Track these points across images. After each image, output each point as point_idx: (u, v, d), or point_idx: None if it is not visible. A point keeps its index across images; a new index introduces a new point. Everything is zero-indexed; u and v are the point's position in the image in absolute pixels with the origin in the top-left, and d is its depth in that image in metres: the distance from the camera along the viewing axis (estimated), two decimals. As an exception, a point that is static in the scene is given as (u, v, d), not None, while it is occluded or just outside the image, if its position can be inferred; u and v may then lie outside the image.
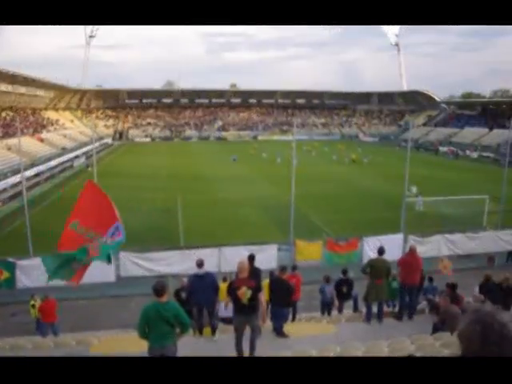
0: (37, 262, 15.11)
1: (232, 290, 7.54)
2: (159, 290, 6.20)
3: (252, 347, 7.87)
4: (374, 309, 10.66)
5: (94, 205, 8.49)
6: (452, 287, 10.20)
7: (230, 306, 10.44)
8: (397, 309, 11.22)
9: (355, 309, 12.71)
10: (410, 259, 10.64)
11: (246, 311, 7.56)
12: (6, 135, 54.13)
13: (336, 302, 12.63)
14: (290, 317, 11.53)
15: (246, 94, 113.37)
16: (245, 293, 7.28)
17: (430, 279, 12.86)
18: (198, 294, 9.59)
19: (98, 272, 15.15)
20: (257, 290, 7.51)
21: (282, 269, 10.23)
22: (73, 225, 8.35)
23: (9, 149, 49.25)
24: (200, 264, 9.76)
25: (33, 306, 12.74)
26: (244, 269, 7.59)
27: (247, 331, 7.97)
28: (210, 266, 15.07)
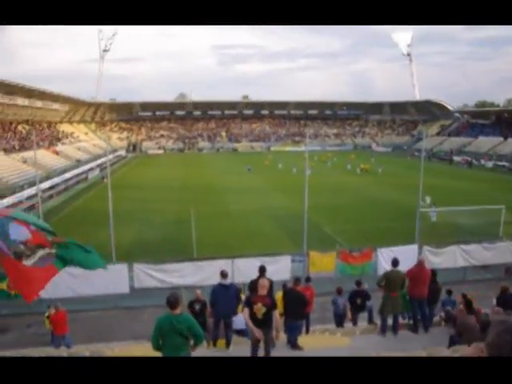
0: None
1: (249, 305, 8.01)
2: (173, 302, 6.19)
3: None
4: (389, 321, 10.53)
5: None
6: (466, 304, 10.03)
7: (242, 317, 10.50)
8: (412, 321, 11.09)
9: (370, 321, 12.54)
10: (417, 271, 10.51)
11: (260, 325, 7.93)
12: (23, 148, 54.90)
13: (349, 314, 12.48)
14: (304, 329, 11.44)
15: (258, 106, 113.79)
16: (260, 309, 7.82)
17: (450, 292, 12.68)
18: (220, 304, 9.60)
19: (111, 283, 15.27)
20: (271, 307, 7.94)
21: (296, 280, 10.16)
22: None
23: (24, 161, 49.89)
24: (225, 274, 9.77)
25: (48, 317, 12.79)
26: (264, 287, 8.02)
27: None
28: (223, 278, 15.09)
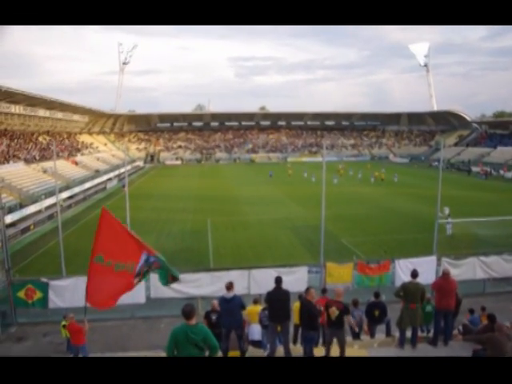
0: (69, 282, 15.32)
1: (326, 307, 9.31)
2: (188, 312, 6.13)
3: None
4: (408, 333, 10.32)
5: (114, 237, 8.33)
6: (490, 317, 9.77)
7: (258, 327, 10.40)
8: (431, 334, 10.84)
9: (388, 333, 12.31)
10: (443, 283, 10.28)
11: (334, 326, 9.21)
12: (43, 158, 55.70)
13: (365, 327, 12.24)
14: (321, 341, 11.27)
15: (275, 117, 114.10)
16: (334, 312, 9.07)
17: (472, 311, 12.41)
18: (226, 316, 9.63)
19: (128, 293, 15.23)
20: (343, 311, 9.13)
21: (307, 290, 9.97)
22: (98, 258, 8.15)
23: (44, 172, 50.57)
24: (228, 287, 9.68)
25: (64, 326, 12.81)
26: (339, 294, 9.39)
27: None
28: (239, 288, 14.96)
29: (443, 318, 10.27)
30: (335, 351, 9.39)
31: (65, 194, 44.37)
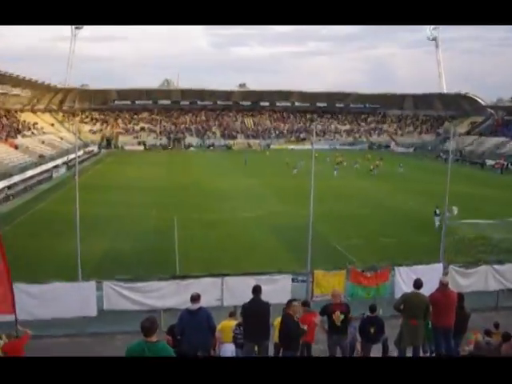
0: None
1: (328, 313, 9.99)
2: (147, 328, 6.06)
3: None
4: (408, 354, 10.39)
5: None
6: (503, 336, 9.87)
7: (232, 348, 10.32)
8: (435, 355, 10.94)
9: (384, 353, 12.40)
10: (440, 296, 10.26)
11: (339, 331, 9.95)
12: (-25, 141, 54.74)
13: (358, 346, 12.24)
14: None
15: (257, 96, 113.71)
16: (339, 316, 9.75)
17: (488, 333, 12.47)
18: (190, 333, 9.20)
19: (76, 305, 15.05)
20: (347, 313, 9.99)
21: (289, 302, 9.87)
22: None
23: (-23, 157, 49.72)
24: (195, 298, 9.36)
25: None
26: (337, 296, 10.26)
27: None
28: (210, 300, 14.90)
29: (443, 338, 10.31)
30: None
31: (1, 184, 43.66)
